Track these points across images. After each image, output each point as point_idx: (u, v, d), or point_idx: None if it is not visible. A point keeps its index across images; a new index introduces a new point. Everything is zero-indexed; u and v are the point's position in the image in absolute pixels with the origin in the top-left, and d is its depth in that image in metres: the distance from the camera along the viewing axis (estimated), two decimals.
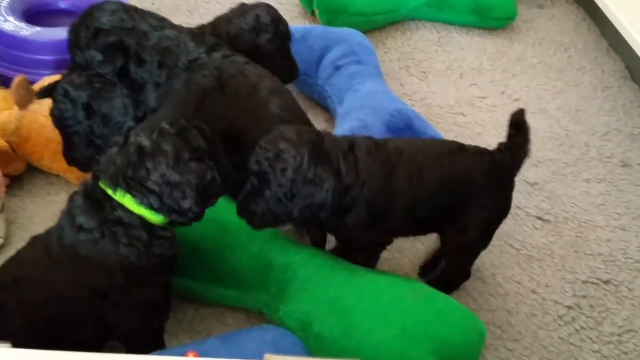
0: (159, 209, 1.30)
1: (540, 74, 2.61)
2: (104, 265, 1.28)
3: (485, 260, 1.83)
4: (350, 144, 1.48)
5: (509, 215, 1.94)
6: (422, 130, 1.94)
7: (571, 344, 1.66)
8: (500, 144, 1.62)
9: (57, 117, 1.67)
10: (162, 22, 1.76)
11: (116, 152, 1.32)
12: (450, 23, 2.81)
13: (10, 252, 1.59)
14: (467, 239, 1.60)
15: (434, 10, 2.78)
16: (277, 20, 1.91)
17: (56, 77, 1.90)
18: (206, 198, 1.35)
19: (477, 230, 1.60)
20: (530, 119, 2.34)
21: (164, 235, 1.33)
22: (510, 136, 1.62)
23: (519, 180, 2.09)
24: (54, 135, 1.77)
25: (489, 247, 1.85)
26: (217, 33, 1.87)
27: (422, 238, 1.81)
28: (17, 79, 1.83)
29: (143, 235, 1.30)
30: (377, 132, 1.93)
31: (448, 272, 1.69)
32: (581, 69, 2.66)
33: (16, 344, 1.07)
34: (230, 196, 1.47)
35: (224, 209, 1.44)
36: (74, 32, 1.74)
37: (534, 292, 1.76)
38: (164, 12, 2.67)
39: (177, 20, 2.51)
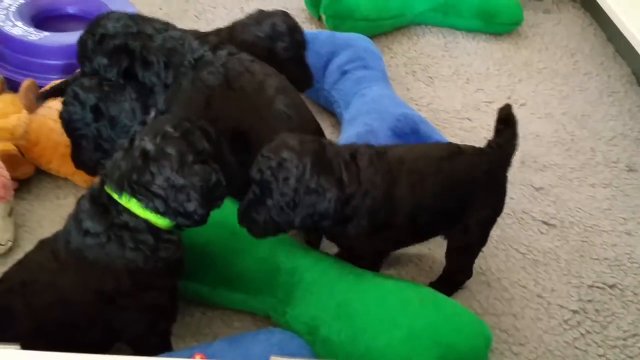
0: (165, 212, 1.31)
1: (547, 79, 2.62)
2: (110, 269, 1.29)
3: (491, 264, 1.83)
4: (352, 153, 1.48)
5: (514, 220, 1.97)
6: (428, 135, 1.95)
7: (577, 348, 1.66)
8: (491, 141, 1.63)
9: (66, 120, 1.68)
10: (167, 26, 1.78)
11: (121, 157, 1.33)
12: (457, 28, 2.81)
13: (19, 255, 1.60)
14: (470, 239, 1.63)
15: (440, 15, 2.78)
16: (294, 29, 1.92)
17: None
18: (211, 200, 1.35)
19: (478, 230, 1.63)
20: (536, 124, 2.37)
21: (170, 239, 1.34)
22: (498, 131, 1.64)
23: (525, 184, 2.10)
24: (63, 139, 1.79)
25: (495, 252, 1.86)
26: (233, 38, 1.88)
27: (428, 243, 1.81)
28: (26, 82, 1.85)
29: (149, 239, 1.31)
30: (384, 137, 1.93)
31: (451, 272, 1.70)
32: (587, 74, 2.66)
33: (24, 347, 1.08)
34: (237, 197, 1.48)
35: (231, 213, 1.44)
36: (81, 43, 1.76)
37: (539, 296, 1.76)
38: (171, 17, 2.69)
39: (184, 25, 2.52)
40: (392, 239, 1.59)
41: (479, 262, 1.82)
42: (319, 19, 2.73)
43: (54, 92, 1.88)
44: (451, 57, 2.68)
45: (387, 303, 1.47)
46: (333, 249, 1.73)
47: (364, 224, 1.48)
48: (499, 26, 2.80)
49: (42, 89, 1.91)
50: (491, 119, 2.31)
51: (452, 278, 1.71)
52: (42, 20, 2.24)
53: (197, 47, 1.71)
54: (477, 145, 1.65)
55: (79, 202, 1.35)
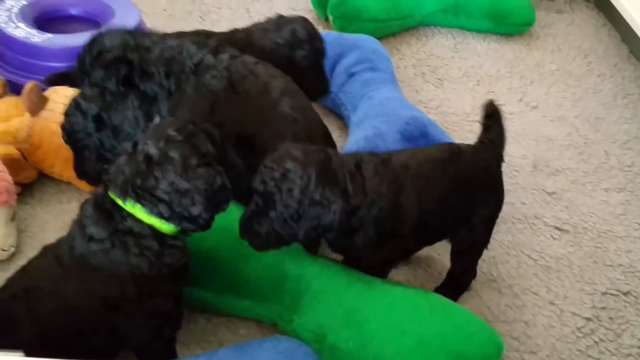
0: (170, 217, 1.32)
1: (559, 80, 2.62)
2: (115, 275, 1.30)
3: (502, 271, 1.83)
4: (357, 162, 1.48)
5: (526, 225, 1.97)
6: (437, 139, 1.95)
7: (590, 356, 1.66)
8: (483, 138, 1.66)
9: (68, 131, 1.70)
10: (164, 38, 1.79)
11: (125, 162, 1.34)
12: (467, 29, 2.82)
13: (22, 260, 1.62)
14: (475, 239, 1.65)
15: (449, 16, 2.79)
16: (314, 36, 1.93)
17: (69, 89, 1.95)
18: (216, 204, 1.36)
19: (483, 228, 1.65)
20: (548, 127, 2.37)
21: (174, 245, 1.35)
22: (486, 127, 1.67)
23: (537, 189, 2.10)
24: None
25: (506, 258, 1.87)
26: (251, 43, 1.89)
27: (437, 248, 1.82)
28: (29, 85, 1.86)
29: (154, 245, 1.32)
30: (392, 140, 1.94)
31: (457, 273, 1.71)
32: (601, 76, 2.66)
33: (28, 354, 1.10)
34: (243, 201, 1.49)
35: (236, 218, 1.45)
36: (79, 60, 1.79)
37: (552, 303, 1.77)
38: (176, 18, 2.73)
39: (189, 26, 2.55)
40: (399, 248, 1.60)
41: (490, 269, 1.83)
42: (326, 19, 2.74)
43: (60, 78, 1.89)
44: (461, 58, 2.68)
45: (396, 310, 1.47)
46: (337, 254, 1.73)
47: (370, 234, 1.48)
48: (511, 27, 2.80)
49: (48, 95, 1.92)
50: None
51: (459, 280, 1.73)
52: (44, 21, 2.26)
53: (195, 51, 1.73)
54: None
55: (82, 208, 1.36)
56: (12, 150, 1.86)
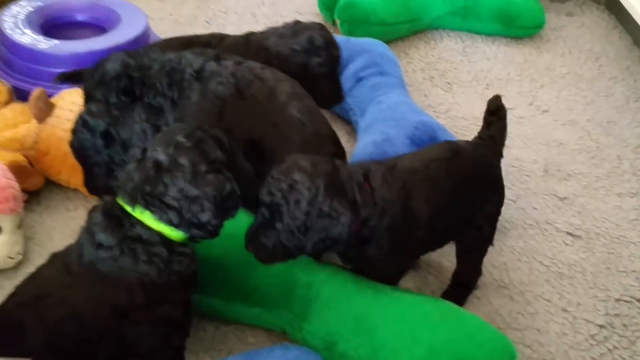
0: (179, 224, 1.33)
1: (570, 84, 2.62)
2: (124, 282, 1.31)
3: (514, 277, 1.84)
4: (365, 173, 1.48)
5: (538, 231, 1.98)
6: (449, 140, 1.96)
7: None
8: (483, 133, 1.69)
9: (77, 148, 1.71)
10: (163, 53, 1.81)
11: (134, 168, 1.35)
12: (476, 32, 2.83)
13: (29, 268, 1.64)
14: (483, 235, 1.67)
15: (458, 19, 2.80)
16: (330, 44, 1.94)
17: (76, 89, 1.97)
18: (225, 210, 1.37)
19: (488, 224, 1.67)
20: (560, 131, 2.37)
21: (183, 252, 1.36)
22: (488, 123, 1.69)
23: (549, 194, 2.11)
24: None
25: (517, 264, 1.87)
26: (266, 47, 1.90)
27: (447, 255, 1.82)
28: (36, 92, 1.88)
29: (163, 252, 1.33)
30: (401, 145, 1.95)
31: (463, 273, 1.73)
32: (613, 79, 2.66)
33: None
34: (252, 208, 1.49)
35: (245, 225, 1.45)
36: (85, 87, 1.81)
37: (564, 310, 1.77)
38: (181, 23, 2.75)
39: (194, 31, 2.58)
40: (413, 254, 1.60)
41: (501, 275, 1.83)
42: (334, 23, 2.75)
43: (72, 77, 1.91)
44: (470, 62, 2.69)
45: (407, 318, 1.48)
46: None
47: (384, 244, 1.48)
48: (520, 29, 2.81)
49: (54, 101, 1.93)
50: (512, 126, 2.33)
51: (465, 279, 1.74)
52: (51, 28, 2.28)
53: (193, 59, 1.75)
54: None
55: (91, 215, 1.37)
56: (19, 157, 1.88)
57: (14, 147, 1.87)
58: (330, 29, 2.69)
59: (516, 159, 2.21)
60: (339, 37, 2.39)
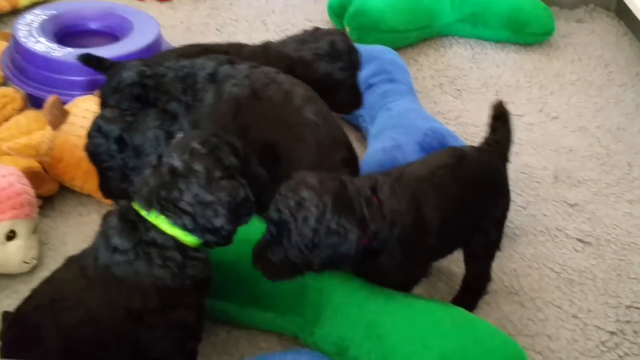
0: (193, 229, 1.36)
1: (580, 90, 2.63)
2: (138, 286, 1.33)
3: (524, 284, 1.85)
4: (373, 186, 1.49)
5: (548, 237, 1.98)
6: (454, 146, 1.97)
7: None
8: (488, 139, 1.70)
9: (92, 152, 1.74)
10: (178, 60, 1.84)
11: (150, 174, 1.38)
12: (485, 39, 2.85)
13: (43, 273, 1.67)
14: (490, 240, 1.69)
15: (467, 26, 2.82)
16: (352, 49, 1.96)
17: (89, 97, 2.00)
18: (239, 216, 1.39)
19: (495, 229, 1.68)
20: (569, 137, 2.38)
21: (197, 257, 1.38)
22: (493, 129, 1.71)
23: (559, 200, 2.12)
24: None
25: (528, 270, 1.88)
26: (286, 54, 1.93)
27: (457, 261, 1.83)
28: (51, 99, 1.91)
29: (177, 257, 1.35)
30: (411, 151, 1.97)
31: (472, 278, 1.74)
32: (623, 86, 2.67)
33: None
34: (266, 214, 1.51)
35: (259, 230, 1.48)
36: (100, 94, 1.85)
37: (575, 317, 1.77)
38: (192, 31, 2.78)
39: (206, 39, 2.61)
40: (426, 261, 1.62)
41: (511, 282, 1.84)
42: (343, 30, 2.77)
43: (94, 61, 1.94)
44: (479, 68, 2.71)
45: (418, 324, 1.49)
46: None
47: (396, 254, 1.49)
48: (530, 36, 2.82)
49: (68, 108, 1.96)
50: (522, 133, 2.35)
51: (475, 285, 1.75)
52: (64, 36, 2.31)
53: (206, 62, 1.78)
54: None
55: (106, 219, 1.39)
56: (33, 164, 1.91)
57: (29, 153, 1.90)
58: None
59: (526, 165, 2.22)
60: None
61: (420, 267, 1.63)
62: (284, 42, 2.00)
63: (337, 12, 2.80)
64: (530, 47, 2.84)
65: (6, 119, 2.06)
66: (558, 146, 2.34)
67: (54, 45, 2.19)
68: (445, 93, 2.56)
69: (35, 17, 2.30)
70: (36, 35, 2.22)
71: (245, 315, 1.62)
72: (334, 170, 1.66)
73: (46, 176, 1.92)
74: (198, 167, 1.35)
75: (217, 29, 2.82)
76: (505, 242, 1.87)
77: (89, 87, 2.10)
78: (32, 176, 1.83)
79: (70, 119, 1.93)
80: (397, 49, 2.56)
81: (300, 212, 1.39)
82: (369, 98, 2.22)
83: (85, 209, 1.94)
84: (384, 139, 2.03)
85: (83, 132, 1.84)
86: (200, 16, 2.89)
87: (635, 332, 1.76)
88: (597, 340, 1.72)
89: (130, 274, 1.33)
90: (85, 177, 1.91)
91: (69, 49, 2.18)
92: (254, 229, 1.46)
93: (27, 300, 1.38)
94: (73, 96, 2.06)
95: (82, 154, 1.86)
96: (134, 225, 1.35)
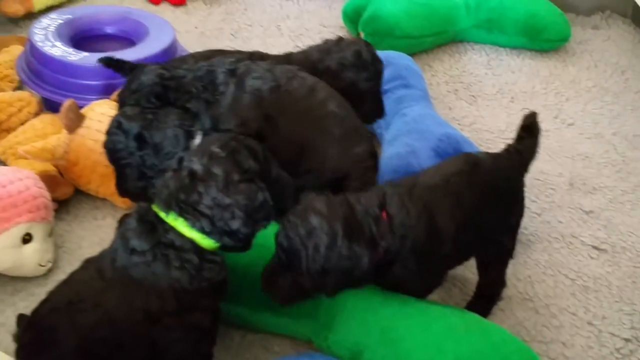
0: (211, 232, 1.38)
1: (596, 97, 2.64)
2: (156, 288, 1.35)
3: (539, 290, 1.86)
4: (381, 201, 1.49)
5: (563, 244, 1.99)
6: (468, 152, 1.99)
7: None
8: (510, 146, 1.71)
9: (110, 150, 1.76)
10: (195, 63, 1.87)
11: (170, 177, 1.41)
12: (500, 45, 2.86)
13: (59, 276, 1.70)
14: (504, 248, 1.70)
15: (483, 32, 2.84)
16: (376, 59, 1.98)
17: (105, 101, 2.03)
18: (256, 220, 1.41)
19: (508, 237, 1.70)
20: (585, 144, 2.39)
21: (213, 260, 1.40)
22: (520, 138, 1.71)
23: (574, 207, 2.13)
24: (102, 159, 1.86)
25: (543, 277, 1.89)
26: (311, 63, 1.94)
27: (472, 267, 1.84)
28: (67, 103, 1.94)
29: (194, 259, 1.37)
30: (426, 157, 1.98)
31: (487, 285, 1.75)
32: (639, 92, 2.68)
33: None
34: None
35: (273, 234, 1.50)
36: (120, 98, 1.89)
37: (590, 324, 1.78)
38: (207, 36, 2.81)
39: (220, 44, 2.64)
40: (442, 270, 1.63)
41: (526, 288, 1.85)
42: (357, 36, 2.79)
43: (115, 63, 1.99)
44: (495, 75, 2.72)
45: (432, 329, 1.50)
46: None
47: (410, 265, 1.51)
48: (545, 43, 2.84)
49: (84, 112, 1.99)
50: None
51: (489, 291, 1.76)
52: (80, 40, 2.35)
53: (224, 59, 1.82)
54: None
55: (125, 221, 1.42)
56: (49, 167, 1.94)
57: (45, 157, 1.92)
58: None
59: (541, 172, 2.23)
60: None
61: (436, 275, 1.64)
62: (307, 52, 2.01)
63: (351, 18, 2.83)
64: (546, 54, 2.86)
65: (22, 123, 2.09)
66: (574, 153, 2.36)
67: (70, 50, 2.22)
68: (460, 99, 2.57)
69: (51, 22, 2.34)
70: (52, 40, 2.25)
71: (260, 319, 1.64)
72: (359, 162, 1.71)
73: (62, 180, 1.95)
74: (217, 170, 1.38)
75: (232, 34, 2.85)
76: (520, 248, 1.88)
77: (105, 91, 2.14)
78: (48, 180, 1.86)
79: (86, 122, 1.96)
80: (412, 54, 2.58)
81: (311, 239, 1.40)
82: (384, 103, 2.24)
83: (100, 213, 1.97)
84: (399, 145, 2.05)
85: (99, 136, 1.87)
86: (215, 21, 2.92)
87: None
88: (611, 347, 1.73)
89: (148, 275, 1.35)
90: (101, 181, 1.94)
91: (85, 53, 2.21)
92: (269, 233, 1.48)
93: (44, 302, 1.40)
94: (89, 100, 2.08)
95: (98, 158, 1.90)
96: (152, 227, 1.38)
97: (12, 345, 1.41)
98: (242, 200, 1.37)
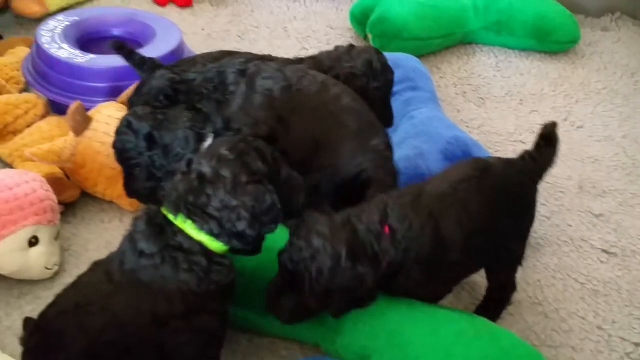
0: (219, 235, 1.39)
1: (606, 100, 2.64)
2: (164, 291, 1.36)
3: (548, 294, 1.86)
4: (382, 217, 1.50)
5: (573, 248, 1.99)
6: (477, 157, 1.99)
7: None
8: (525, 153, 1.70)
9: (119, 149, 1.78)
10: (205, 65, 1.88)
11: (179, 179, 1.42)
12: (509, 47, 2.86)
13: (65, 279, 1.71)
14: (513, 255, 1.69)
15: (491, 34, 2.84)
16: (386, 68, 1.98)
17: (112, 103, 2.04)
18: (262, 223, 1.41)
19: (519, 243, 1.69)
20: (595, 147, 2.39)
21: (221, 262, 1.41)
22: (537, 146, 1.71)
23: (584, 211, 2.12)
24: (108, 161, 1.89)
25: (552, 281, 1.89)
26: (322, 70, 1.93)
27: (481, 271, 1.85)
28: (74, 105, 1.95)
29: (202, 262, 1.38)
30: (434, 160, 1.99)
31: (497, 289, 1.74)
32: None
33: None
34: (296, 216, 1.53)
35: (282, 238, 1.50)
36: (130, 103, 1.91)
37: (599, 328, 1.78)
38: (214, 38, 2.82)
39: (227, 46, 2.65)
40: (451, 278, 1.64)
41: (535, 292, 1.85)
42: (365, 38, 2.80)
43: (125, 49, 1.99)
44: (503, 77, 2.72)
45: (441, 333, 1.50)
46: None
47: (414, 274, 1.51)
48: (555, 45, 2.84)
49: (91, 115, 2.00)
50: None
51: (499, 295, 1.76)
52: (87, 42, 2.36)
53: (233, 60, 1.83)
54: None
55: (134, 223, 1.43)
56: (55, 170, 1.95)
57: (51, 159, 1.93)
58: (362, 44, 2.77)
59: (551, 175, 2.20)
60: None
61: (445, 284, 1.64)
62: (317, 59, 2.01)
63: (359, 20, 2.83)
64: (555, 56, 2.86)
65: (29, 125, 2.11)
66: (583, 156, 2.35)
67: (77, 52, 2.24)
68: (468, 101, 2.58)
69: (58, 24, 2.35)
70: (59, 42, 2.26)
71: (267, 323, 1.64)
72: (376, 154, 1.71)
73: (68, 182, 1.96)
74: (225, 172, 1.39)
75: (239, 36, 2.86)
76: (529, 252, 1.88)
77: (111, 94, 2.15)
78: (55, 182, 1.87)
79: (93, 125, 1.97)
80: (420, 56, 2.58)
81: (315, 263, 1.43)
82: (392, 106, 2.24)
83: (107, 216, 1.98)
84: (407, 148, 2.05)
85: (106, 139, 1.89)
86: (222, 23, 2.93)
87: None
88: (621, 351, 1.73)
89: (157, 278, 1.36)
90: (108, 184, 1.95)
91: (92, 56, 2.22)
92: (277, 236, 1.48)
93: (52, 305, 1.41)
94: (96, 102, 2.09)
95: (105, 161, 1.91)
96: (161, 229, 1.39)
97: (18, 349, 1.42)
98: (249, 202, 1.38)
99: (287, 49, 2.74)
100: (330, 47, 2.08)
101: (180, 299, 1.36)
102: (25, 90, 2.31)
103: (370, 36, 2.73)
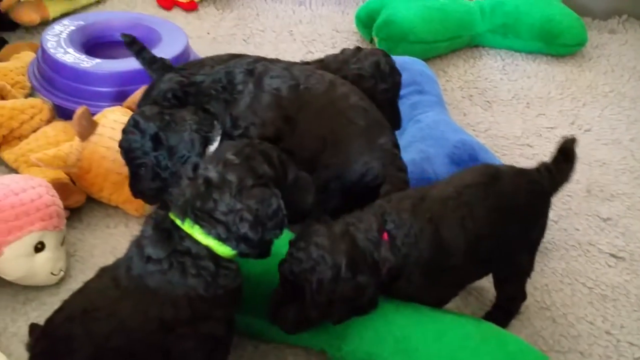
0: (227, 239, 1.39)
1: (613, 102, 2.64)
2: (170, 297, 1.36)
3: (556, 299, 1.86)
4: (380, 223, 1.50)
5: (580, 252, 1.99)
6: (487, 163, 1.99)
7: None
8: (541, 165, 1.70)
9: (125, 148, 1.78)
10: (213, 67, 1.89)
11: (186, 185, 1.43)
12: (516, 50, 2.86)
13: (71, 285, 1.72)
14: (521, 267, 1.69)
15: (498, 36, 2.84)
16: (394, 70, 1.98)
17: (118, 108, 2.05)
18: (265, 227, 1.41)
19: (529, 255, 1.69)
20: (602, 150, 2.39)
21: (228, 266, 1.41)
22: (555, 160, 1.70)
23: (591, 215, 2.12)
24: (114, 166, 1.90)
25: (560, 286, 1.89)
26: (331, 72, 1.93)
27: (488, 276, 1.84)
28: (80, 110, 1.96)
29: (210, 266, 1.38)
30: (440, 164, 1.99)
31: (506, 299, 1.74)
32: None
33: None
34: (305, 219, 1.54)
35: (287, 244, 1.51)
36: (139, 105, 1.91)
37: (608, 333, 1.78)
38: (219, 41, 2.83)
39: (233, 49, 2.65)
40: (455, 282, 1.63)
41: (543, 297, 1.85)
42: (371, 41, 2.81)
43: (136, 45, 1.99)
44: (510, 80, 2.72)
45: (447, 339, 1.50)
46: None
47: (414, 278, 1.52)
48: (562, 47, 2.84)
49: (97, 119, 2.01)
50: (553, 146, 2.33)
51: (507, 305, 1.76)
52: (92, 46, 2.37)
53: (241, 61, 1.84)
54: None
55: (141, 228, 1.43)
56: (61, 175, 1.96)
57: (57, 164, 1.94)
58: (368, 47, 2.77)
59: None
60: None
61: (448, 287, 1.64)
62: (324, 61, 2.02)
63: (364, 23, 2.84)
64: (562, 58, 2.86)
65: (34, 130, 2.12)
66: (590, 159, 2.35)
67: (82, 56, 2.24)
68: (475, 105, 2.58)
69: (63, 28, 2.36)
70: (64, 46, 2.27)
71: (272, 329, 1.63)
72: (384, 152, 1.72)
73: (74, 188, 1.97)
74: (231, 177, 1.39)
75: (244, 40, 2.87)
76: (536, 256, 1.87)
77: (117, 98, 2.16)
78: (60, 187, 1.87)
79: (99, 130, 1.98)
80: (427, 59, 2.59)
81: (315, 274, 1.44)
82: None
83: (112, 221, 1.99)
84: (413, 151, 2.05)
85: (111, 144, 1.89)
86: (227, 27, 2.94)
87: None
88: (630, 356, 1.73)
89: (164, 284, 1.36)
90: (113, 189, 1.96)
91: (97, 60, 2.23)
92: (282, 242, 1.49)
93: (58, 311, 1.41)
94: (101, 107, 2.10)
95: (110, 166, 1.91)
96: (168, 234, 1.39)
97: (24, 355, 1.42)
98: (253, 205, 1.38)
99: (293, 53, 2.74)
100: (336, 51, 2.10)
101: (187, 305, 1.37)
102: (31, 95, 2.32)
103: (376, 39, 2.74)
